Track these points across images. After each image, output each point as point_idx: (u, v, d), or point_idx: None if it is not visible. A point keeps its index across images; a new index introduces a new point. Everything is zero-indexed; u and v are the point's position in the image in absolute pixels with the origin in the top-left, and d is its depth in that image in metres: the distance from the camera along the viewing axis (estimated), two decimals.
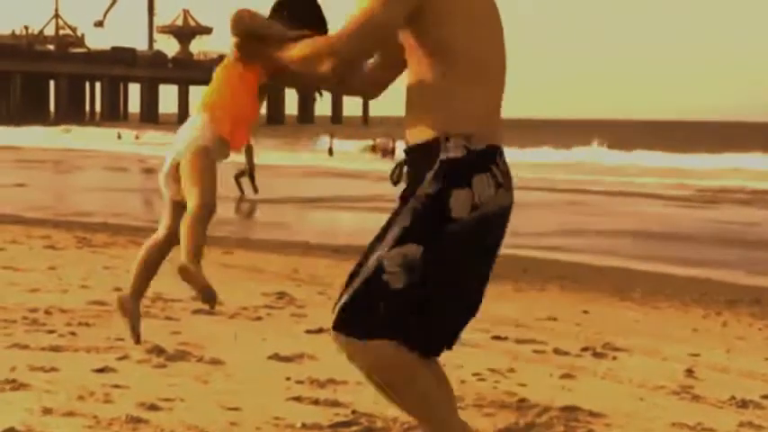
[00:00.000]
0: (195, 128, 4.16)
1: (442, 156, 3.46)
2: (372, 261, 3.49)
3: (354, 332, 3.50)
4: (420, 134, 3.53)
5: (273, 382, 5.83)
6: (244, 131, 4.23)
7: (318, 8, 4.02)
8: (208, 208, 4.09)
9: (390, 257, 3.46)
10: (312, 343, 7.02)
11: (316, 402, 5.33)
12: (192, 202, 4.07)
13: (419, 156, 3.53)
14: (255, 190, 27.08)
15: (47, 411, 4.86)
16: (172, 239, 4.26)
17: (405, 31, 3.54)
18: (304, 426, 4.85)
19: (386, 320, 3.47)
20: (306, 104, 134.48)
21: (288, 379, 5.88)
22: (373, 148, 56.86)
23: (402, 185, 3.60)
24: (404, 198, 3.53)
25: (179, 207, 4.18)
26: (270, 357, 6.47)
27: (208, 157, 4.12)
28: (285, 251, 15.60)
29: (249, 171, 27.34)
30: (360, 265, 3.53)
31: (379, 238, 3.52)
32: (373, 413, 5.11)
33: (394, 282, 3.45)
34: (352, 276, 3.54)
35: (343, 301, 3.53)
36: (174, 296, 8.95)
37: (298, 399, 5.40)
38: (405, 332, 3.49)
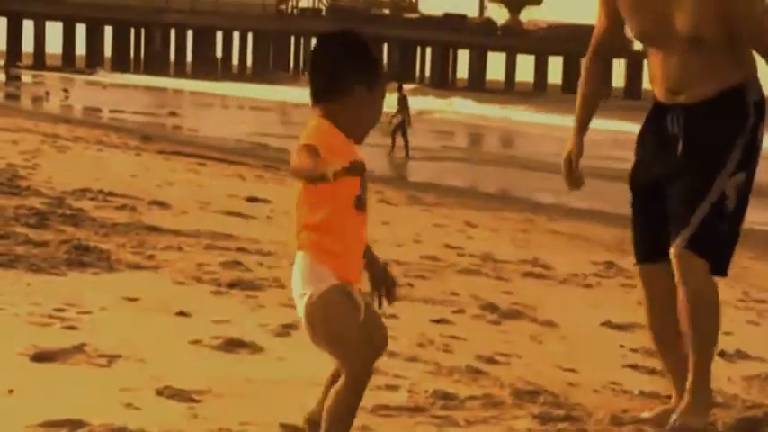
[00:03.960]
0: None
1: (751, 98, 4.15)
2: (716, 188, 4.08)
3: (710, 254, 4.11)
4: (715, 90, 4.13)
5: (607, 347, 5.82)
6: None
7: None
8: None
9: (728, 186, 4.09)
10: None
11: (652, 372, 5.28)
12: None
13: (716, 106, 4.13)
14: (406, 151, 25.47)
15: (391, 355, 5.06)
16: None
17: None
18: (642, 393, 4.81)
19: (726, 242, 4.19)
20: None
21: (622, 346, 5.85)
22: None
23: None
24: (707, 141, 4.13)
25: None
26: (602, 324, 6.45)
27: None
28: (610, 222, 15.45)
29: (402, 126, 25.79)
30: (697, 191, 4.08)
31: (708, 167, 4.09)
32: (712, 388, 5.00)
33: (731, 205, 4.12)
34: (691, 201, 4.09)
35: (695, 223, 4.09)
36: (504, 258, 9.07)
37: (633, 366, 5.37)
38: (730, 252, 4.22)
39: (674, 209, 4.16)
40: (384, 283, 3.45)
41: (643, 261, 4.37)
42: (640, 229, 4.39)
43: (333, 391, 3.38)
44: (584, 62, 4.51)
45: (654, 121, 4.30)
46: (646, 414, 4.38)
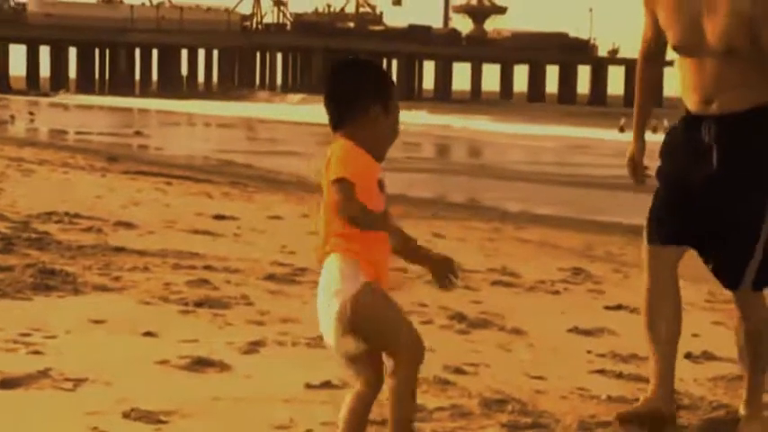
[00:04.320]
0: None
1: None
2: (766, 228, 4.24)
3: None
4: (746, 102, 4.25)
5: (575, 354, 5.84)
6: None
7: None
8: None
9: None
10: (612, 319, 6.97)
11: (619, 376, 5.31)
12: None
13: (747, 121, 4.26)
14: None
15: None
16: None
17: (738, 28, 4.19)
18: (609, 398, 4.83)
19: None
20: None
21: (589, 352, 5.88)
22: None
23: None
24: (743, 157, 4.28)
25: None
26: (570, 330, 6.47)
27: None
28: (577, 228, 15.52)
29: None
30: (748, 233, 4.24)
31: (753, 205, 4.24)
32: (678, 390, 5.03)
33: None
34: (745, 244, 4.24)
35: (754, 267, 4.26)
36: (472, 267, 9.09)
37: (601, 372, 5.39)
38: None
39: (730, 251, 4.33)
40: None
41: (658, 242, 4.44)
42: (663, 216, 4.45)
43: (390, 389, 3.42)
44: (636, 69, 4.72)
45: (685, 132, 4.43)
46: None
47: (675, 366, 4.42)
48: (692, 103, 4.38)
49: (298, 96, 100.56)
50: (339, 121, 3.52)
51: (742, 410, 4.48)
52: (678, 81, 4.47)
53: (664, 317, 4.40)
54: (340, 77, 3.57)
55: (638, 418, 4.27)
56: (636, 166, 4.68)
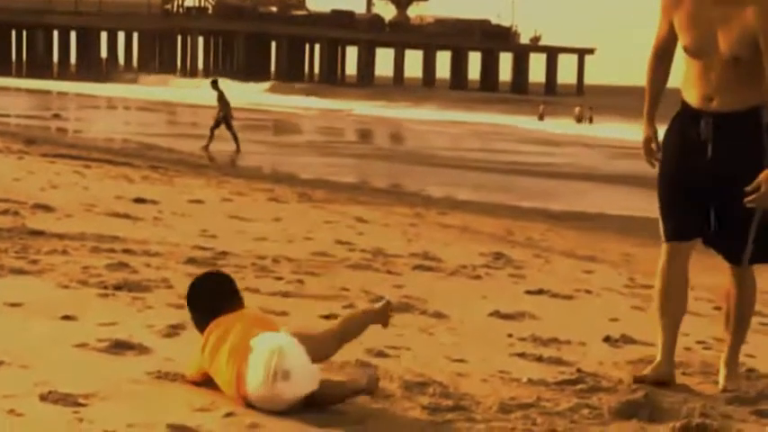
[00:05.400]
0: None
1: (765, 119, 4.87)
2: (757, 213, 4.82)
3: (763, 260, 4.97)
4: (740, 104, 4.84)
5: (496, 337, 5.87)
6: None
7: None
8: None
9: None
10: (532, 303, 7.03)
11: (539, 359, 5.35)
12: None
13: (739, 119, 4.85)
14: (237, 146, 26.50)
15: None
16: None
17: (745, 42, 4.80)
18: (530, 381, 4.87)
19: None
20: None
21: (510, 336, 5.91)
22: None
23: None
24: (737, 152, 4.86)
25: None
26: (491, 314, 6.51)
27: None
28: (498, 213, 15.64)
29: (225, 120, 26.78)
30: (743, 216, 4.84)
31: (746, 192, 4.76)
32: (597, 373, 5.10)
33: None
34: (742, 219, 4.85)
35: (751, 239, 4.91)
36: (395, 252, 9.11)
37: (521, 355, 5.43)
38: None
39: (727, 232, 4.95)
40: None
41: (675, 239, 5.04)
42: (674, 216, 5.03)
43: None
44: (647, 63, 5.23)
45: (683, 127, 4.98)
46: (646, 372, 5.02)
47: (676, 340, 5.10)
48: (693, 99, 4.94)
49: (195, 80, 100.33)
50: (201, 325, 4.44)
51: (722, 368, 5.12)
52: (682, 76, 5.01)
53: (674, 302, 5.04)
54: (197, 290, 4.55)
55: (647, 380, 4.92)
56: (649, 147, 5.18)
